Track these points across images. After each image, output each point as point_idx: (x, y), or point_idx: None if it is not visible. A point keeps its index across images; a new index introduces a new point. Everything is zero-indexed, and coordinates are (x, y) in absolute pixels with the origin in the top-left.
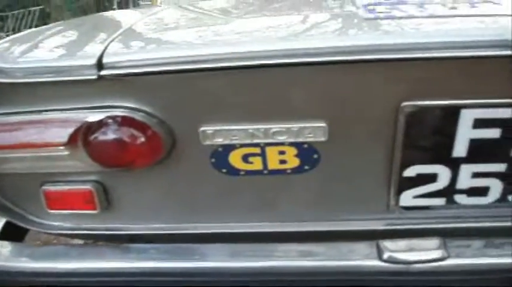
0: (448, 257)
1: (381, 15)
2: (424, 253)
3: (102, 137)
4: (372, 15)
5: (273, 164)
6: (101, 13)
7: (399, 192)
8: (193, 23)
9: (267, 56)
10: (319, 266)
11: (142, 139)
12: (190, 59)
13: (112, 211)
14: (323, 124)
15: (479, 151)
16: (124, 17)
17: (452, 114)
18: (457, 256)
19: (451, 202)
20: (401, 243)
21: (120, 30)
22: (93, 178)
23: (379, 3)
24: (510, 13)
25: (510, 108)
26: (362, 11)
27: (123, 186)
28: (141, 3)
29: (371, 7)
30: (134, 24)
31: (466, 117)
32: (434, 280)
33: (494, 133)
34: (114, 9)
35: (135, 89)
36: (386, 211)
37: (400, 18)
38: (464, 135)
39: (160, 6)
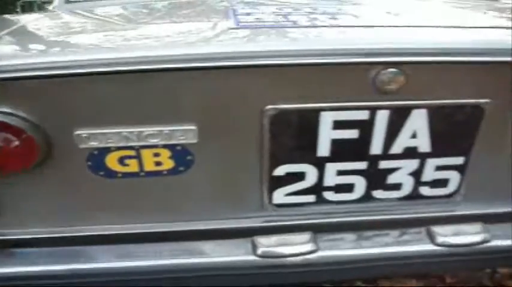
0: (318, 250)
1: (247, 24)
2: (295, 247)
3: None
4: (238, 25)
5: (149, 166)
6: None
7: (271, 190)
8: (78, 28)
9: (135, 62)
10: (201, 262)
11: (17, 143)
12: (62, 65)
13: None
14: (193, 127)
15: (341, 150)
16: (13, 21)
17: (313, 117)
18: (326, 248)
19: (320, 198)
20: (275, 239)
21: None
22: None
23: (247, 14)
24: (366, 24)
25: (364, 110)
26: (231, 21)
27: (2, 191)
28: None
29: (238, 17)
30: (16, 29)
31: (326, 120)
32: (305, 271)
33: (352, 133)
34: (17, 12)
35: (8, 94)
36: (261, 209)
37: (265, 28)
38: (326, 136)
39: (54, 11)
